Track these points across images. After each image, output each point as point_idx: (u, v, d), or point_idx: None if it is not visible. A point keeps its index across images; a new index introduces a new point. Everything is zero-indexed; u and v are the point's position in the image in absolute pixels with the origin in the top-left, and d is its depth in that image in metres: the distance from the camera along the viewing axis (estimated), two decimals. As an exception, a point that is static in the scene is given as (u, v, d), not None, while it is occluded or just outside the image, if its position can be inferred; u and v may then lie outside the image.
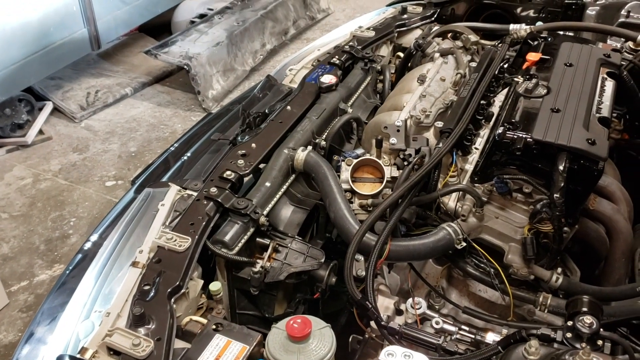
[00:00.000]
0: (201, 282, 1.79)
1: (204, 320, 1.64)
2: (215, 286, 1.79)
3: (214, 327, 1.59)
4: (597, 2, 3.16)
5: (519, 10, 3.35)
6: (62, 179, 4.71)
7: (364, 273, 1.85)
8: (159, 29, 6.72)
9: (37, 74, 5.17)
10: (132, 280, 1.68)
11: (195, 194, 1.99)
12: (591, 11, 3.15)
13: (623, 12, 3.01)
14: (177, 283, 1.66)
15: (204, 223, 1.84)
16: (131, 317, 1.56)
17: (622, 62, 2.38)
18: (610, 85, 2.23)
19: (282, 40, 6.64)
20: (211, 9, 6.50)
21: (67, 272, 1.98)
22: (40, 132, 5.19)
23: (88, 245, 2.06)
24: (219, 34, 5.91)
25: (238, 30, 6.01)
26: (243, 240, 1.87)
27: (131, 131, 5.31)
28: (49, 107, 5.43)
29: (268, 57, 6.43)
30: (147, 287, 1.64)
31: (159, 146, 5.09)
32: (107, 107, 5.61)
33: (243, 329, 1.60)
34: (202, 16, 6.40)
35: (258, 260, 1.86)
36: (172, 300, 1.63)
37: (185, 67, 5.51)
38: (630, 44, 2.65)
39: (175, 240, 1.78)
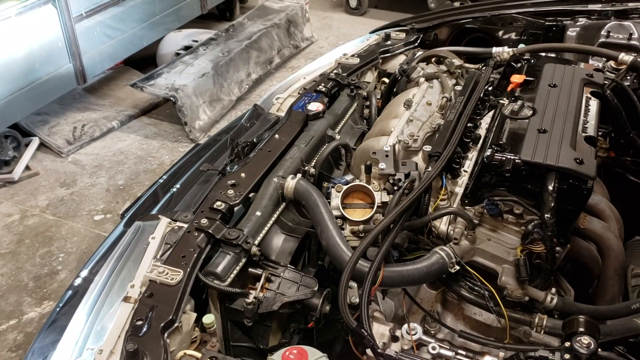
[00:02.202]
0: (194, 315, 1.76)
1: (199, 355, 1.62)
2: (208, 319, 1.77)
3: (208, 360, 1.57)
4: (577, 23, 3.21)
5: (500, 33, 3.40)
6: (50, 215, 4.67)
7: (357, 300, 1.84)
8: (144, 61, 6.75)
9: (23, 110, 5.16)
10: (125, 315, 1.66)
11: (185, 225, 1.98)
12: (572, 32, 3.20)
13: (603, 32, 3.05)
14: (170, 317, 1.63)
15: (195, 255, 1.82)
16: (124, 353, 1.53)
17: (605, 81, 2.41)
18: (594, 104, 2.25)
19: (267, 69, 6.69)
20: (196, 41, 6.54)
21: (58, 309, 1.95)
22: (27, 168, 5.16)
23: (78, 281, 2.03)
24: (205, 65, 5.95)
25: (223, 61, 6.06)
26: (235, 271, 1.85)
27: (119, 164, 5.30)
28: (35, 142, 5.41)
29: (254, 87, 6.46)
30: (139, 322, 1.62)
31: (147, 178, 5.07)
32: (94, 140, 5.60)
33: (238, 362, 1.58)
34: (186, 48, 6.44)
35: (251, 291, 1.85)
36: (166, 334, 1.60)
37: (171, 98, 5.52)
38: (612, 63, 2.70)
39: (167, 273, 1.76)
